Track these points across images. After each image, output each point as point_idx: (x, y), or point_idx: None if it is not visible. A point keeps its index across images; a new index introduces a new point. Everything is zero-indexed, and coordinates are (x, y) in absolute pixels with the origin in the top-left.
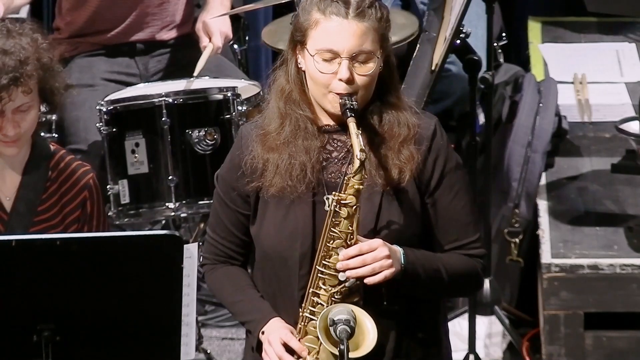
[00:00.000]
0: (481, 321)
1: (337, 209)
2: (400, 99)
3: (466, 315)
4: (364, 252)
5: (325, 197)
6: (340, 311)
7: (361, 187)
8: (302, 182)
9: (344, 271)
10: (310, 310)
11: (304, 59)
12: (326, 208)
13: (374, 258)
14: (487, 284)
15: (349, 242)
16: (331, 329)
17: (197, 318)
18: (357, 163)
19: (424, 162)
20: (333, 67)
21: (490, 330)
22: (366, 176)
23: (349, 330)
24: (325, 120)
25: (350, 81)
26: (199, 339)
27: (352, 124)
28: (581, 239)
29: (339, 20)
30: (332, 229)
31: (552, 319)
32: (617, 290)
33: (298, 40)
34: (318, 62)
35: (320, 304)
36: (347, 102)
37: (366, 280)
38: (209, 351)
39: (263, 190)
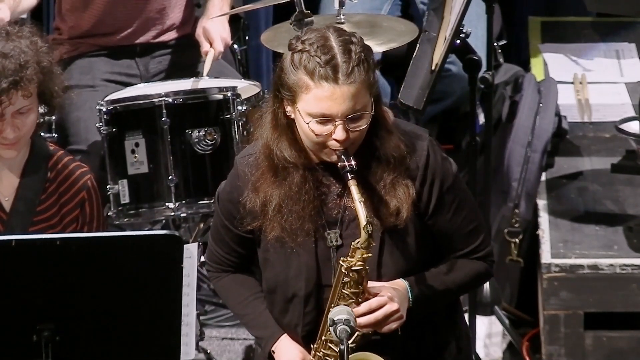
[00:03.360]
0: (481, 321)
1: (346, 273)
2: (390, 129)
3: (466, 315)
4: (374, 309)
5: (326, 233)
6: (340, 311)
7: (370, 255)
8: (301, 231)
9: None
10: (323, 352)
11: (294, 113)
12: (329, 244)
13: (384, 315)
14: (487, 284)
15: (359, 300)
16: (331, 329)
17: (198, 316)
18: (364, 236)
19: (420, 191)
20: (328, 128)
21: (490, 330)
22: (374, 244)
23: (348, 330)
24: (319, 159)
25: (346, 140)
26: (200, 334)
27: (354, 188)
28: (581, 239)
29: (330, 87)
30: (342, 289)
31: (552, 319)
32: (617, 290)
33: (286, 97)
34: (313, 127)
35: (333, 348)
36: (347, 163)
37: (380, 331)
38: (209, 351)
39: (264, 230)
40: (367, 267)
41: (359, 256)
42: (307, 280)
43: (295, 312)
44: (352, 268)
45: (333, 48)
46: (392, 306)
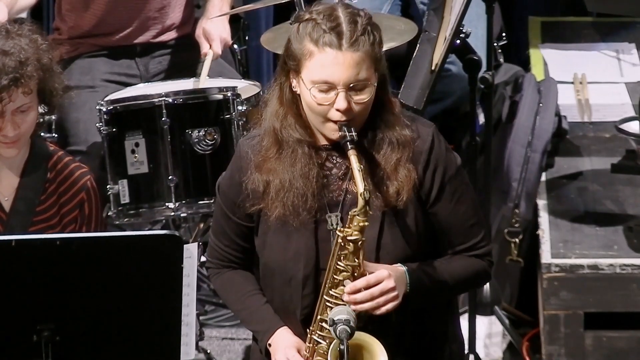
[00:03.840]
0: (481, 321)
1: (343, 244)
2: (395, 114)
3: (466, 315)
4: (371, 284)
5: (327, 216)
6: (340, 311)
7: (366, 224)
8: (303, 209)
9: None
10: (319, 334)
11: (299, 86)
12: (329, 227)
13: (381, 291)
14: (487, 284)
15: (355, 275)
16: (331, 329)
17: (198, 316)
18: (361, 202)
19: (422, 176)
20: (330, 97)
21: (490, 330)
22: (371, 212)
23: (349, 330)
24: (323, 140)
25: (347, 110)
26: (200, 334)
27: (353, 157)
28: (581, 239)
29: (333, 52)
30: (338, 262)
31: (552, 319)
32: (617, 290)
33: (292, 68)
34: (315, 94)
35: (328, 329)
36: (347, 133)
37: (375, 312)
38: (209, 351)
39: (264, 213)
40: (364, 239)
41: (356, 224)
42: (306, 262)
43: (294, 295)
44: (349, 238)
45: (339, 17)
46: (389, 283)
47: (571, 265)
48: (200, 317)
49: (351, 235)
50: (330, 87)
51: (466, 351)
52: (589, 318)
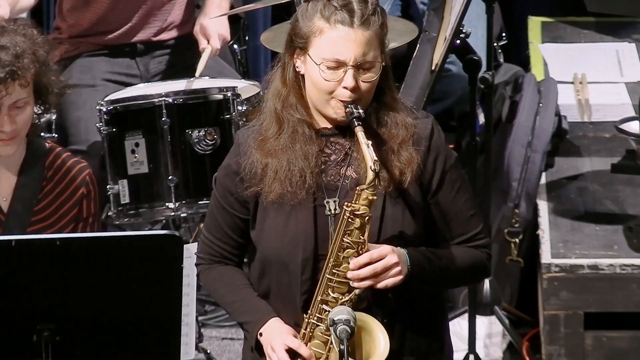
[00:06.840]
0: (481, 321)
1: (350, 220)
2: (395, 99)
3: (466, 315)
4: (375, 260)
5: (325, 201)
6: (341, 311)
7: (375, 197)
8: (301, 188)
9: (355, 280)
10: (318, 317)
11: (304, 64)
12: (327, 212)
13: (384, 267)
14: (487, 284)
15: (360, 252)
16: (331, 329)
17: (197, 318)
18: (370, 175)
19: (424, 163)
20: (338, 74)
21: (490, 330)
22: (380, 187)
23: (349, 330)
24: (323, 124)
25: (355, 89)
26: (199, 337)
27: (360, 134)
28: (581, 239)
29: (345, 29)
30: (343, 238)
31: (552, 319)
32: (617, 290)
33: (299, 46)
34: (323, 71)
35: (329, 311)
36: (354, 110)
37: (377, 285)
38: (209, 351)
39: (262, 196)
40: (371, 215)
41: (365, 197)
42: (304, 247)
43: (292, 281)
44: (356, 212)
45: None
46: (392, 258)
47: (571, 265)
48: (200, 317)
49: (359, 210)
50: (339, 64)
51: (466, 351)
52: (589, 318)
